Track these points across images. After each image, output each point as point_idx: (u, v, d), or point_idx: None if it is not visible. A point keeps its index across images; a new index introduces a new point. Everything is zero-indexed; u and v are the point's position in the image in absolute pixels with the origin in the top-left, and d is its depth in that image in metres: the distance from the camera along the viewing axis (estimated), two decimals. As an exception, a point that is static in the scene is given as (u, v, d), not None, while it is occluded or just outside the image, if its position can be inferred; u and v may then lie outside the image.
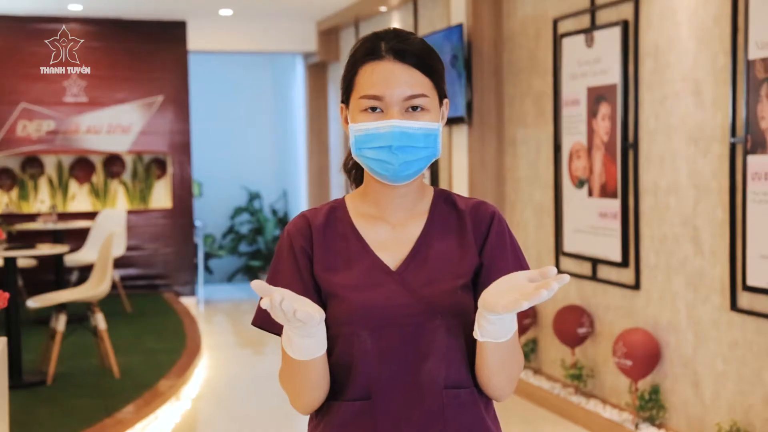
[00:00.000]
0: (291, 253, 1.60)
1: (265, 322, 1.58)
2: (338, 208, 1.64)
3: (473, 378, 1.60)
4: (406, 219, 1.62)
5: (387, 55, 1.54)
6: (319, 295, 1.58)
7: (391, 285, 1.56)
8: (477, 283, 1.59)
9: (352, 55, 1.59)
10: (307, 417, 1.67)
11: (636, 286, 4.75)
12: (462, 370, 1.58)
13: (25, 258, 7.74)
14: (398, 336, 1.54)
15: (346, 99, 1.60)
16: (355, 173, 1.71)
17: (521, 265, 1.61)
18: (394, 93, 1.53)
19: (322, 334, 1.48)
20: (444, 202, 1.65)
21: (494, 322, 1.43)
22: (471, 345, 1.58)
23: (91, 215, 9.00)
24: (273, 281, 1.59)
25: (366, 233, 1.61)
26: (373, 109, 1.54)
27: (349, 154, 1.68)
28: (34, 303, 5.65)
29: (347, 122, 1.61)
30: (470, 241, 1.61)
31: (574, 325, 5.11)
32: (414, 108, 1.54)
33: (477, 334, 1.47)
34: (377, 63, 1.54)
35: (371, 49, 1.56)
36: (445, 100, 1.62)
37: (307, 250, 1.59)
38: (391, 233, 1.61)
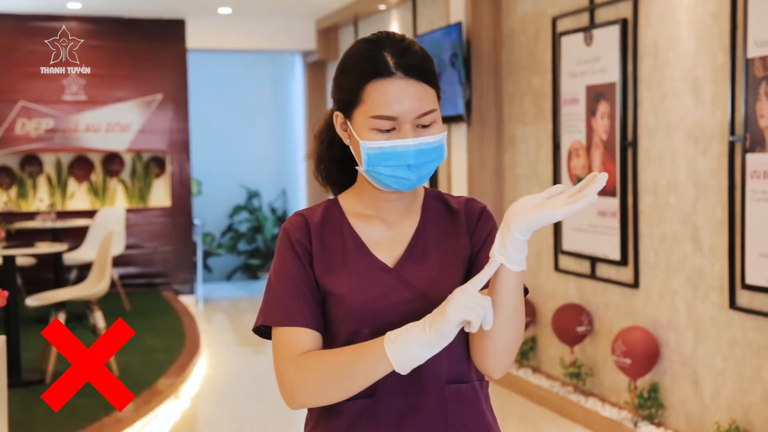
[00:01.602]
0: (291, 249, 1.59)
1: (267, 317, 1.57)
2: (333, 208, 1.64)
3: (473, 373, 1.61)
4: (400, 218, 1.63)
5: (397, 71, 1.52)
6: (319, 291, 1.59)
7: (389, 282, 1.56)
8: (472, 263, 1.61)
9: (354, 67, 1.55)
10: (305, 413, 1.67)
11: (635, 284, 4.75)
12: (463, 364, 1.59)
13: (24, 256, 7.74)
14: None
15: (347, 110, 1.57)
16: (328, 182, 1.71)
17: None
18: (407, 111, 1.52)
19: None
20: (436, 200, 1.67)
21: (521, 245, 1.41)
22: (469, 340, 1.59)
23: (90, 214, 9.00)
24: (279, 277, 1.58)
25: (362, 232, 1.61)
26: (388, 126, 1.53)
27: (320, 162, 1.69)
28: (33, 301, 5.65)
29: (345, 131, 1.59)
30: (464, 236, 1.63)
31: (573, 324, 5.11)
32: (425, 122, 1.54)
33: (499, 258, 1.42)
34: (388, 81, 1.52)
35: (379, 64, 1.53)
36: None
37: (306, 246, 1.59)
38: (386, 232, 1.62)
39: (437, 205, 1.66)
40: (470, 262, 1.61)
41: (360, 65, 1.55)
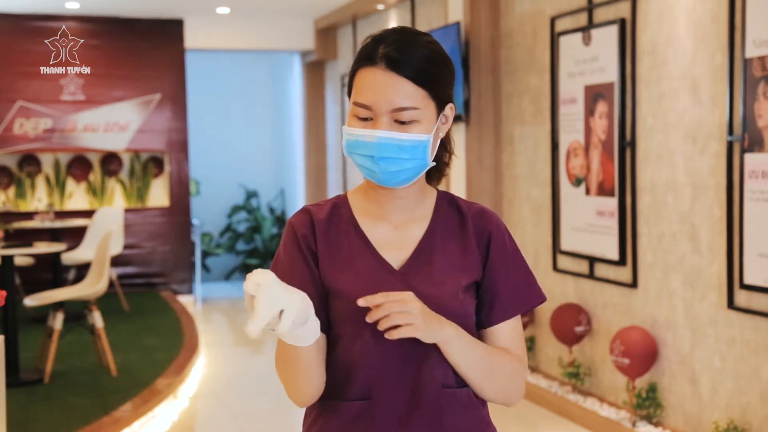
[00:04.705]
0: (297, 246, 1.58)
1: None
2: (341, 205, 1.63)
3: None
4: (408, 220, 1.62)
5: (380, 62, 1.51)
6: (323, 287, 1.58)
7: (394, 284, 1.55)
8: (480, 295, 1.61)
9: (356, 56, 1.58)
10: (302, 413, 1.67)
11: (633, 284, 4.75)
12: None
13: (22, 256, 7.73)
14: None
15: (349, 99, 1.59)
16: None
17: (524, 274, 1.63)
18: (381, 103, 1.51)
19: (316, 323, 1.44)
20: (447, 204, 1.65)
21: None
22: None
23: (88, 213, 8.99)
24: (281, 269, 1.57)
25: (368, 231, 1.60)
26: (365, 114, 1.53)
27: None
28: (31, 301, 5.64)
29: None
30: (473, 245, 1.61)
31: (571, 324, 5.11)
32: (403, 119, 1.51)
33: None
34: (370, 69, 1.52)
35: (368, 52, 1.54)
36: (449, 105, 1.58)
37: (310, 243, 1.58)
38: (393, 233, 1.60)
39: (449, 211, 1.64)
40: (482, 283, 1.61)
41: (358, 53, 1.57)
